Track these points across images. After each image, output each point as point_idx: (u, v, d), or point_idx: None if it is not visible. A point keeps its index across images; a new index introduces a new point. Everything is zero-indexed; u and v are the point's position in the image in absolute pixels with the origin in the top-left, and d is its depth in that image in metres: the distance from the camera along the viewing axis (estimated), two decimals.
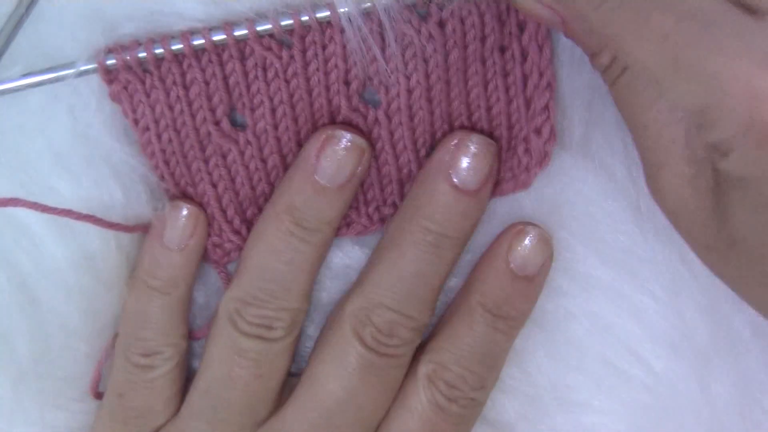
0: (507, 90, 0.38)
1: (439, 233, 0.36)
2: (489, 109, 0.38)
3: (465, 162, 0.36)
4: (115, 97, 0.37)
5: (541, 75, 0.37)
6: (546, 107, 0.38)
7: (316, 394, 0.37)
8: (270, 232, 0.37)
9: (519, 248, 0.38)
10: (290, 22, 0.35)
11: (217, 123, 0.37)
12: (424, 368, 0.38)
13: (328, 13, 0.35)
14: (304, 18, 0.35)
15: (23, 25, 0.36)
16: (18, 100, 0.37)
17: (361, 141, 0.37)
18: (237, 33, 0.35)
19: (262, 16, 0.35)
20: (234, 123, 0.38)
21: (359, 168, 0.37)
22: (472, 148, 0.37)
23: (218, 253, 0.39)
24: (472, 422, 0.39)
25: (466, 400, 0.37)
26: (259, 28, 0.35)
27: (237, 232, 0.39)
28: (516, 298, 0.38)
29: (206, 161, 0.38)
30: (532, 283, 0.38)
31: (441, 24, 0.36)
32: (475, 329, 0.38)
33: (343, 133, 0.37)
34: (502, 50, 0.37)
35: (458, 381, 0.37)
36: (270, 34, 0.36)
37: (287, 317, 0.37)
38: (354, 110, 0.38)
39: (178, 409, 0.39)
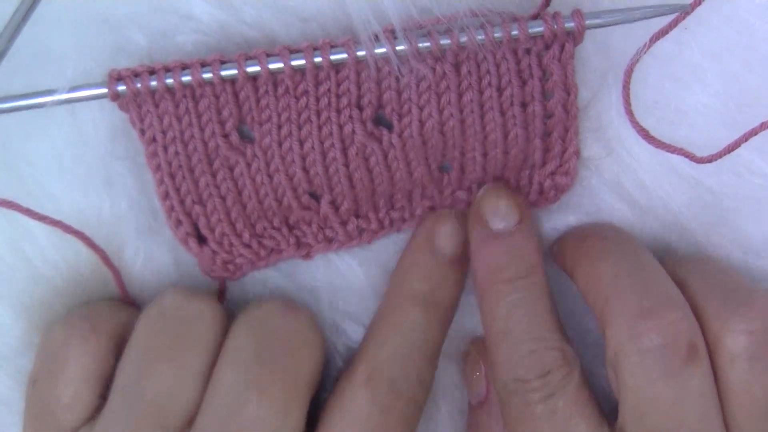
0: (527, 138, 0.38)
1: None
2: (506, 152, 0.38)
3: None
4: (123, 106, 0.36)
5: (566, 130, 0.37)
6: (574, 152, 0.38)
7: None
8: None
9: (442, 233, 0.39)
10: (302, 61, 0.35)
11: (225, 136, 0.37)
12: (361, 369, 0.37)
13: (344, 55, 0.35)
14: (317, 58, 0.35)
15: (24, 26, 0.36)
16: None
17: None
18: (250, 69, 0.35)
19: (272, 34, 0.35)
20: (242, 136, 0.38)
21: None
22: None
23: (230, 270, 0.40)
24: (416, 425, 0.38)
25: (408, 397, 0.37)
26: (271, 66, 0.35)
27: (247, 246, 0.39)
28: (444, 283, 0.39)
29: (214, 175, 0.38)
30: (456, 265, 0.39)
31: (456, 66, 0.36)
32: (408, 319, 0.38)
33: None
34: (524, 106, 0.37)
35: (399, 376, 0.37)
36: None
37: None
38: (369, 135, 0.37)
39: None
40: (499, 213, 0.38)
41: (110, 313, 0.39)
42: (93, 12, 0.37)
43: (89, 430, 0.37)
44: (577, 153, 0.38)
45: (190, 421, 0.36)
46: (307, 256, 0.40)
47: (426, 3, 0.36)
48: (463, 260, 0.39)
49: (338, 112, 0.37)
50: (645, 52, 0.37)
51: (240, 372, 0.36)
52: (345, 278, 0.41)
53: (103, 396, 0.38)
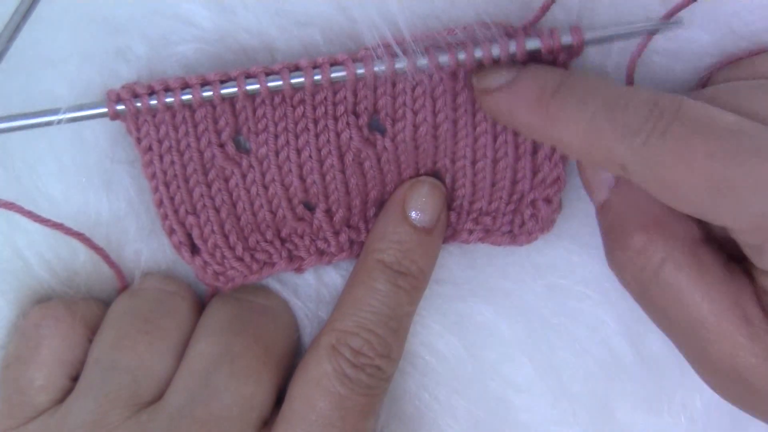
0: (517, 148, 0.38)
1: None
2: (495, 161, 0.38)
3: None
4: (120, 117, 0.36)
5: (554, 150, 0.38)
6: (558, 179, 0.38)
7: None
8: None
9: (415, 198, 0.38)
10: (301, 79, 0.35)
11: (221, 146, 0.37)
12: (326, 338, 0.36)
13: (343, 73, 0.35)
14: (317, 77, 0.35)
15: (23, 27, 0.36)
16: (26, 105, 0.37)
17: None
18: (249, 87, 0.35)
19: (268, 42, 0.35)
20: (238, 146, 0.38)
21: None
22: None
23: (222, 281, 0.39)
24: (380, 398, 0.37)
25: (372, 368, 0.36)
26: (271, 84, 0.35)
27: (240, 259, 0.39)
28: (415, 252, 0.37)
29: (209, 186, 0.38)
30: (430, 236, 0.38)
31: (453, 73, 0.36)
32: (377, 288, 0.37)
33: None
34: None
35: (364, 346, 0.36)
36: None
37: None
38: (365, 140, 0.38)
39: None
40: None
41: (87, 303, 0.40)
42: (93, 12, 0.37)
43: (57, 410, 0.37)
44: (562, 181, 0.38)
45: (163, 393, 0.37)
46: (299, 269, 0.40)
47: (429, 5, 0.36)
48: (436, 229, 0.38)
49: (335, 119, 0.37)
50: (645, 48, 0.37)
51: (213, 342, 0.37)
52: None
53: (75, 379, 0.38)
